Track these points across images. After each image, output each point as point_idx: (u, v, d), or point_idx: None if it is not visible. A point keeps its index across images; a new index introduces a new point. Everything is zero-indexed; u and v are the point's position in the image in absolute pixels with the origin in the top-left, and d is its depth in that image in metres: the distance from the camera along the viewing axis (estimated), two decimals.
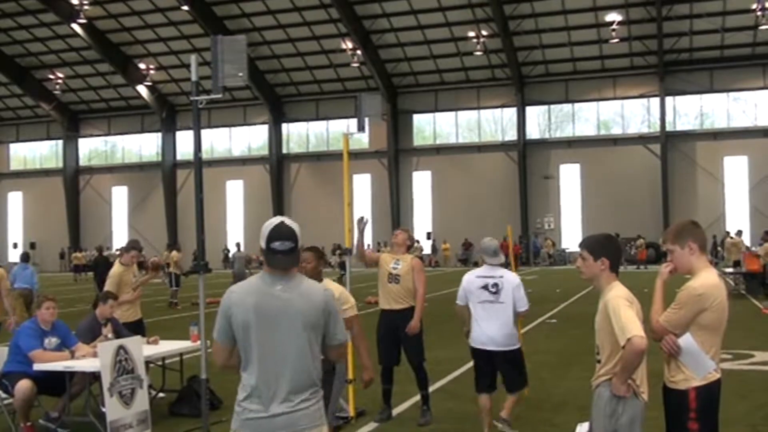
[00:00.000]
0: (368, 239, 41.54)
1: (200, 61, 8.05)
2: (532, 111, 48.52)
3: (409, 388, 8.67)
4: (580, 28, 43.30)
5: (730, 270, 24.58)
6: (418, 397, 8.41)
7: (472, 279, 7.18)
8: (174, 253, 25.49)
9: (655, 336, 4.33)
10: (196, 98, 7.43)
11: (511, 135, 48.27)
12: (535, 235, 47.43)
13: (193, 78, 7.53)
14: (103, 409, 7.22)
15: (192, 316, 15.49)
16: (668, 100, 45.27)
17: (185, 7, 43.43)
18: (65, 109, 55.56)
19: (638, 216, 43.97)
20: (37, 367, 7.57)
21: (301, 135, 53.75)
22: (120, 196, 56.65)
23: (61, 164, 56.63)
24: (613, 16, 41.92)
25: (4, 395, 7.83)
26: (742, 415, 7.99)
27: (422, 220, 49.63)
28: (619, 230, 37.73)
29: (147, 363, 8.07)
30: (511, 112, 48.35)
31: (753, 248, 27.85)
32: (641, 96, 46.29)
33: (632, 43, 44.10)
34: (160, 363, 9.14)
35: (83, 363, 7.64)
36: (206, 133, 50.58)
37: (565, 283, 27.96)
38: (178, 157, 54.38)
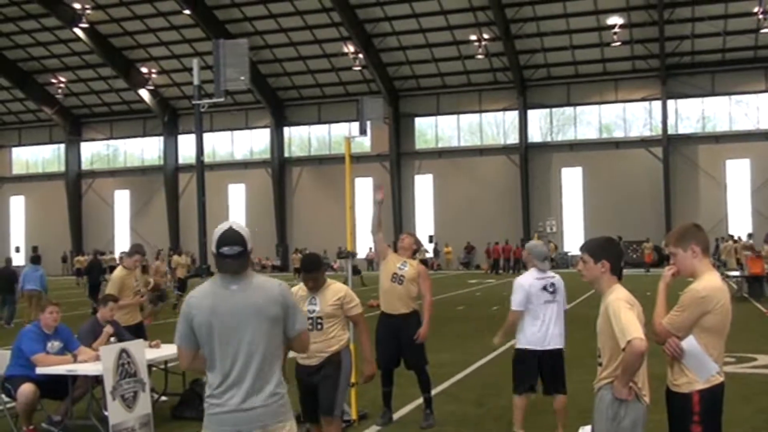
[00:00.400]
0: (370, 242, 41.45)
1: (202, 65, 8.06)
2: (533, 114, 48.51)
3: (410, 390, 8.66)
4: (581, 31, 43.29)
5: (735, 273, 24.52)
6: (420, 400, 8.40)
7: (532, 282, 7.17)
8: (175, 257, 25.47)
9: (659, 339, 4.33)
10: (198, 102, 7.45)
11: (513, 138, 48.26)
12: (537, 238, 47.39)
13: (195, 82, 7.55)
14: (106, 413, 7.22)
15: None
16: (670, 103, 45.24)
17: (187, 11, 43.45)
18: (67, 113, 55.62)
19: (640, 219, 43.93)
20: (40, 370, 7.59)
21: (303, 138, 53.79)
22: (122, 199, 56.69)
23: (63, 168, 56.66)
24: (615, 20, 41.88)
25: (6, 399, 7.84)
26: (745, 419, 7.98)
27: (424, 224, 49.59)
28: (622, 233, 37.69)
29: (149, 366, 8.08)
30: (512, 116, 48.35)
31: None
32: (643, 99, 46.26)
33: (634, 47, 44.09)
34: (162, 366, 9.15)
35: (86, 366, 7.65)
36: (208, 137, 50.60)
37: (567, 286, 27.85)
38: (180, 160, 54.40)
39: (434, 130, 51.17)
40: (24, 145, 58.97)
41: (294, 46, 47.15)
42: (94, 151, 57.93)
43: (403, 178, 49.70)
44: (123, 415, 7.14)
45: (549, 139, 48.73)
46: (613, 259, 4.41)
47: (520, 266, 44.94)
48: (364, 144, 48.28)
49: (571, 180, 47.63)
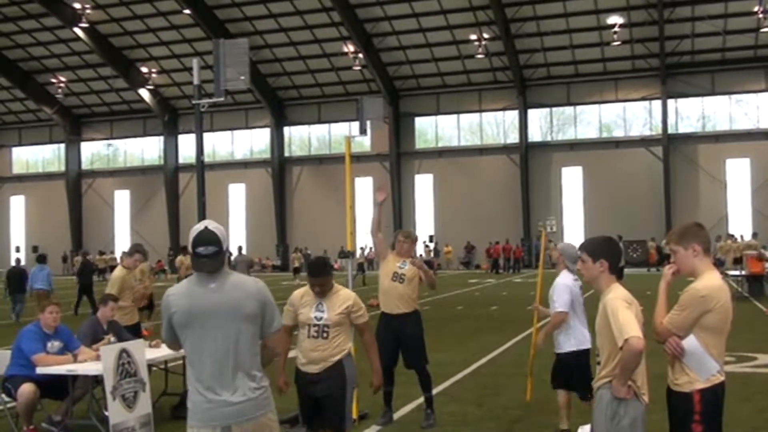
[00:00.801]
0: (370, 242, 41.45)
1: (202, 64, 8.07)
2: (533, 114, 48.52)
3: (411, 390, 8.66)
4: (581, 30, 43.29)
5: (734, 273, 24.53)
6: (420, 400, 8.40)
7: (572, 284, 7.24)
8: (180, 257, 25.43)
9: (659, 338, 4.33)
10: (199, 102, 7.46)
11: (513, 138, 48.26)
12: (537, 237, 47.36)
13: (195, 81, 7.56)
14: (106, 413, 7.21)
15: None
16: (670, 102, 45.25)
17: (187, 11, 43.48)
18: (67, 112, 55.63)
19: (640, 219, 43.93)
20: (40, 370, 7.58)
21: (303, 138, 53.80)
22: (122, 199, 56.70)
23: (63, 168, 56.69)
24: (615, 19, 41.89)
25: (7, 399, 7.83)
26: (746, 418, 7.97)
27: (424, 223, 49.59)
28: (622, 233, 37.67)
29: (149, 366, 8.07)
30: (512, 115, 48.35)
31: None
32: (643, 99, 46.27)
33: (634, 46, 44.09)
34: (162, 366, 9.16)
35: (86, 366, 7.64)
36: (208, 137, 50.56)
37: None
38: (181, 160, 54.40)
39: (434, 129, 51.17)
40: (24, 144, 59.00)
41: (294, 46, 47.15)
42: (94, 151, 57.97)
43: (403, 178, 49.70)
44: (123, 415, 7.14)
45: (549, 138, 48.74)
46: (612, 258, 4.40)
47: (520, 266, 45.01)
48: (364, 144, 48.30)
49: (571, 179, 47.62)
